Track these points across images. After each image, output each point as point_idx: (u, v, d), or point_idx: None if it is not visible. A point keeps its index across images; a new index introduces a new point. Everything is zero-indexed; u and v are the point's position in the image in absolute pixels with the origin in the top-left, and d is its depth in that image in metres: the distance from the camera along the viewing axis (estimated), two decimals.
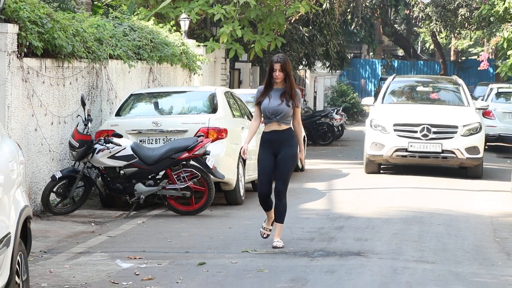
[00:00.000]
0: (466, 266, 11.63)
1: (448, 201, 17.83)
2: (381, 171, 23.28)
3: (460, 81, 25.11)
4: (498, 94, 33.03)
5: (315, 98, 49.22)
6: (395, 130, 22.09)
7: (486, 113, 32.13)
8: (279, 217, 12.46)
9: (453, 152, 21.69)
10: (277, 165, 12.38)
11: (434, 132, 21.85)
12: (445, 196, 18.63)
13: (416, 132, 21.86)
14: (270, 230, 12.70)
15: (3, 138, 8.44)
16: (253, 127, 12.70)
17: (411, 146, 21.80)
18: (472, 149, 21.78)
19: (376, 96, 31.15)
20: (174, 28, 26.16)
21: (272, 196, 12.56)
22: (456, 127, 22.00)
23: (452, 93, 24.69)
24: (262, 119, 12.70)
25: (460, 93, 24.08)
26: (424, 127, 21.81)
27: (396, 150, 21.90)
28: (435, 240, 13.54)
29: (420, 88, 25.44)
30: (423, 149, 21.78)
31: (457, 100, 24.12)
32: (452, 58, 65.75)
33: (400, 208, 16.79)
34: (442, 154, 21.78)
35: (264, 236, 12.72)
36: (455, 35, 57.85)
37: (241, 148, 13.10)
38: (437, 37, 59.53)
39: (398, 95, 25.23)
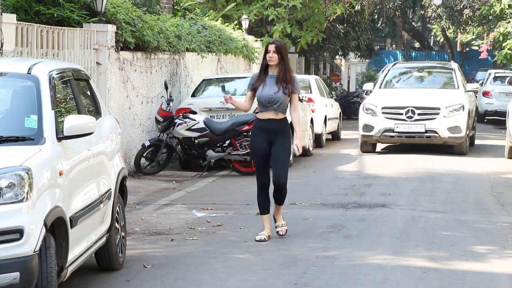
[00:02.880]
0: (470, 215, 11.61)
1: (454, 164, 17.70)
2: (376, 150, 20.49)
3: (454, 65, 22.27)
4: (495, 78, 33.31)
5: (348, 81, 49.10)
6: (383, 113, 19.52)
7: (485, 93, 32.13)
8: (279, 200, 9.78)
9: (435, 132, 19.24)
10: (274, 157, 9.61)
11: (419, 114, 19.29)
12: (452, 161, 18.47)
13: (401, 114, 19.31)
14: (269, 237, 9.71)
15: (105, 115, 8.53)
16: (243, 105, 10.03)
17: (397, 127, 19.28)
18: (454, 129, 19.31)
19: None
20: (237, 26, 26.20)
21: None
22: (439, 108, 19.42)
23: (445, 77, 21.78)
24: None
25: (452, 77, 21.31)
26: (408, 109, 19.26)
27: (384, 131, 19.35)
28: (444, 195, 13.51)
29: (415, 74, 22.38)
30: (408, 130, 19.31)
31: (448, 83, 21.34)
32: (458, 49, 65.18)
33: (416, 169, 16.72)
34: (426, 134, 19.31)
35: (257, 239, 9.64)
36: (461, 30, 57.27)
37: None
38: (446, 32, 58.95)
39: (395, 80, 21.91)
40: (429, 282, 7.84)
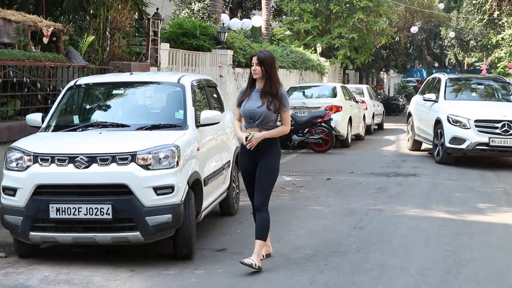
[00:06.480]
0: (475, 182, 11.27)
1: None
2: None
3: (506, 78, 16.16)
4: None
5: (388, 89, 48.40)
6: (476, 126, 13.18)
7: None
8: (258, 232, 5.91)
9: None
10: (256, 178, 5.97)
11: None
12: None
13: (497, 128, 13.15)
14: (263, 256, 6.16)
15: (226, 111, 8.58)
16: (236, 125, 6.22)
17: (492, 141, 13.10)
18: None
19: (417, 90, 27.98)
20: (313, 51, 26.05)
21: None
22: None
23: (506, 91, 15.05)
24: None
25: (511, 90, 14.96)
26: (504, 123, 13.12)
27: (478, 145, 13.11)
28: (457, 168, 13.14)
29: (478, 86, 15.61)
30: (504, 144, 13.21)
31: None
32: (465, 68, 63.50)
33: (426, 147, 16.32)
34: None
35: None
36: (468, 55, 55.72)
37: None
38: (457, 56, 57.44)
39: (456, 92, 14.97)
40: (447, 228, 7.65)
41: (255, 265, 5.78)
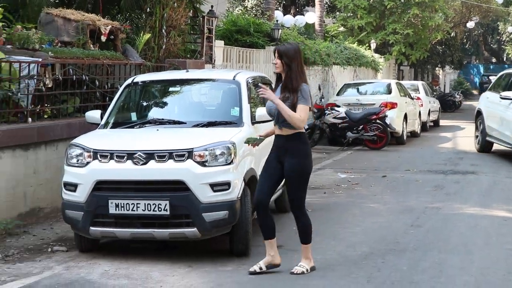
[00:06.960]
0: None
1: None
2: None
3: None
4: None
5: (444, 85, 47.46)
6: None
7: None
8: (301, 238, 5.66)
9: None
10: (285, 181, 5.63)
11: None
12: None
13: None
14: (261, 269, 5.59)
15: None
16: (271, 129, 5.89)
17: None
18: None
19: (481, 86, 27.16)
20: (367, 47, 25.78)
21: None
22: None
23: None
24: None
25: None
26: None
27: None
28: None
29: None
30: None
31: None
32: None
33: (495, 148, 15.92)
34: None
35: (250, 270, 5.58)
36: None
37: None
38: None
39: None
40: (508, 227, 7.46)
41: (307, 270, 5.64)
